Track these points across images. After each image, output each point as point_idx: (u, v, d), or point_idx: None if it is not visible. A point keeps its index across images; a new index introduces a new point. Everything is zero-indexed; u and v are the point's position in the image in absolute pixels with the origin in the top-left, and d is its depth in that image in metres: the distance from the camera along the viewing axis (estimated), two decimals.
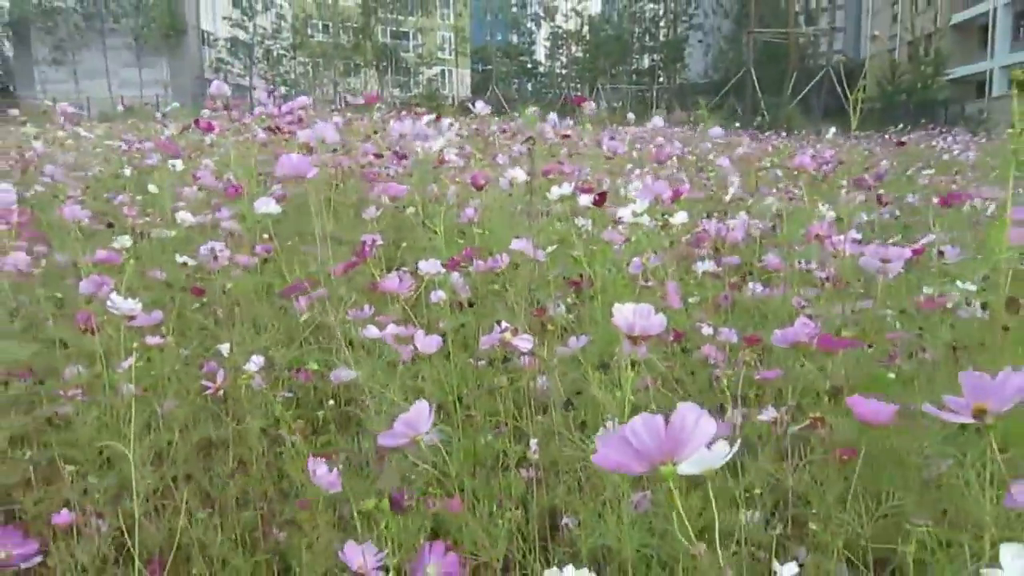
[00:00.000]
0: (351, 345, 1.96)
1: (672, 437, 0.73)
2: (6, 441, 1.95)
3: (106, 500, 1.87)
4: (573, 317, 2.20)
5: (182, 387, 2.12)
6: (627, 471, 0.75)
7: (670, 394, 1.82)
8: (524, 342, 1.64)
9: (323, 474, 1.39)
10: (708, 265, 2.35)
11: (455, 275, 2.21)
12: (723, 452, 0.75)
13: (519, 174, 2.67)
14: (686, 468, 0.74)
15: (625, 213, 2.00)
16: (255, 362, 1.78)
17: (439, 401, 1.94)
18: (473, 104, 4.04)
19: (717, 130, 5.58)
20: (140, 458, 1.63)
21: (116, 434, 1.79)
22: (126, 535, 1.67)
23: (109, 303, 1.69)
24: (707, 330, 2.12)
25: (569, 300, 2.25)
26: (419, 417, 1.20)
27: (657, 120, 5.26)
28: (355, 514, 1.54)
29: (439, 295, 2.10)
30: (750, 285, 2.43)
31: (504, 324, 1.72)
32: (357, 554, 1.13)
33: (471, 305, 2.11)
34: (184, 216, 2.78)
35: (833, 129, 8.45)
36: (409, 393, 1.85)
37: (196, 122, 2.52)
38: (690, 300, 2.35)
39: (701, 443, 0.73)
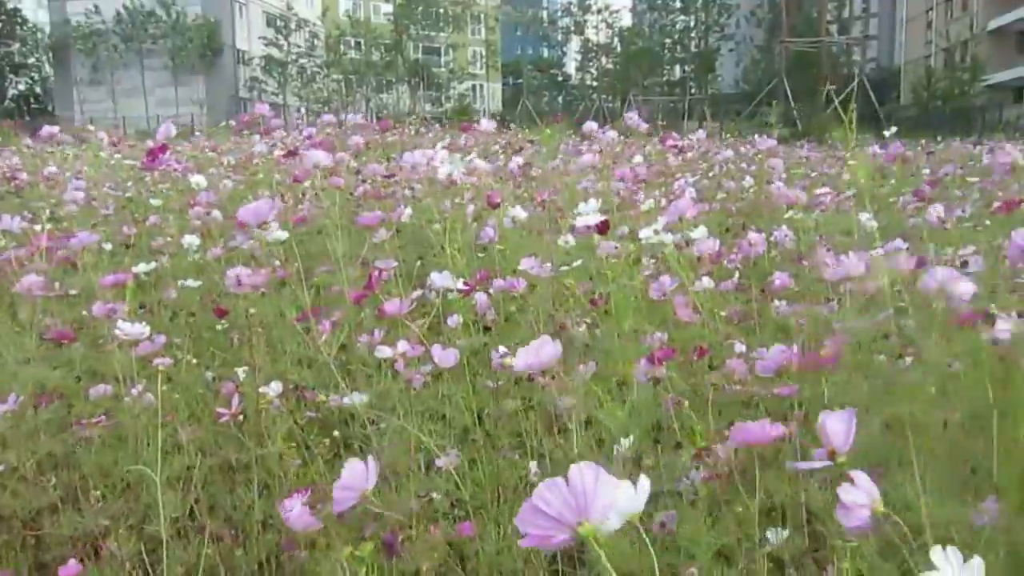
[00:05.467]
0: (379, 368, 1.95)
1: (577, 496, 0.70)
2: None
3: (130, 524, 1.87)
4: (595, 333, 2.18)
5: (203, 409, 2.12)
6: (549, 545, 0.71)
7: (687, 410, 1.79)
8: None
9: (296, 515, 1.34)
10: (706, 282, 2.25)
11: (478, 295, 2.20)
12: (640, 498, 0.75)
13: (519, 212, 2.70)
14: (613, 524, 0.72)
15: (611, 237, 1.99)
16: (273, 388, 1.79)
17: (460, 422, 1.94)
18: (478, 122, 4.07)
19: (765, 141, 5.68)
20: (164, 482, 1.63)
21: (135, 457, 1.80)
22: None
23: (117, 329, 1.70)
24: (739, 347, 2.09)
25: (589, 320, 2.23)
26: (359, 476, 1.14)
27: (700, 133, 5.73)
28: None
29: (456, 319, 2.10)
30: (775, 301, 2.39)
31: (503, 349, 1.71)
32: None
33: (487, 330, 2.10)
34: (190, 240, 2.81)
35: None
36: (427, 414, 1.85)
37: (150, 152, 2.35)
38: (722, 313, 2.31)
39: (607, 501, 0.70)
